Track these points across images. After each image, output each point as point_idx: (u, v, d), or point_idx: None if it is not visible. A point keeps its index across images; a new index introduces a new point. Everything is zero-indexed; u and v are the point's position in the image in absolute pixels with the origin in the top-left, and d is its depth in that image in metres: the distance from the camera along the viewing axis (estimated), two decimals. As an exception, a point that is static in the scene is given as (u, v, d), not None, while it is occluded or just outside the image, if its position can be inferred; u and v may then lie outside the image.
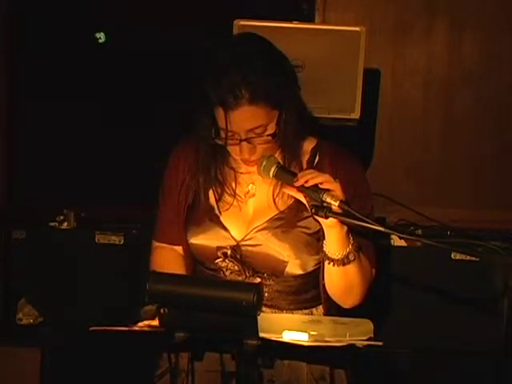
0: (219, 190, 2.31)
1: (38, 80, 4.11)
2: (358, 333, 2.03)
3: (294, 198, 2.21)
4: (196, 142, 2.31)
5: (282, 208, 2.27)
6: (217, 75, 2.16)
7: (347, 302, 2.25)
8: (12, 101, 4.13)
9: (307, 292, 2.29)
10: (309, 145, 2.32)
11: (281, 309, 2.27)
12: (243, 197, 2.31)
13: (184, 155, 2.36)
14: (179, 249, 2.37)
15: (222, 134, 2.19)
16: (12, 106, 4.13)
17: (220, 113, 2.16)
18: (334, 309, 2.27)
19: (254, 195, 2.31)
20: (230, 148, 2.23)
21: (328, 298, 2.27)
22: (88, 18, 4.12)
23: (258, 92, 2.13)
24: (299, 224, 2.25)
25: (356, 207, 2.04)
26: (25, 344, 3.50)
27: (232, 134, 2.17)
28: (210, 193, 2.32)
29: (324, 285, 2.25)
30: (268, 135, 2.18)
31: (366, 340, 1.99)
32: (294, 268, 2.25)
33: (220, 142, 2.21)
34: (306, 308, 2.29)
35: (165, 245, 2.39)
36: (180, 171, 2.36)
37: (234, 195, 2.30)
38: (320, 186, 2.05)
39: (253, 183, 2.31)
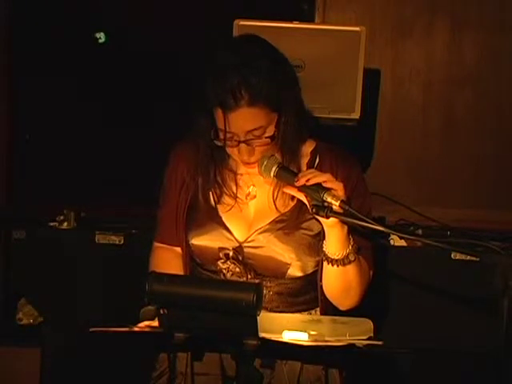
0: (218, 192, 2.30)
1: (38, 80, 4.11)
2: (357, 332, 2.03)
3: (296, 199, 2.22)
4: (195, 143, 2.31)
5: (282, 210, 2.27)
6: (217, 76, 2.15)
7: (345, 304, 2.25)
8: (12, 101, 4.13)
9: (305, 294, 2.28)
10: (308, 147, 2.31)
11: (279, 311, 2.26)
12: (244, 199, 2.31)
13: (183, 155, 2.36)
14: (178, 249, 2.36)
15: (221, 136, 2.19)
16: (12, 106, 4.13)
17: (219, 114, 2.16)
18: (331, 311, 2.27)
19: (254, 197, 2.31)
20: (228, 149, 2.23)
21: (325, 300, 2.27)
22: (88, 17, 4.12)
23: (257, 94, 2.13)
24: (302, 226, 2.25)
25: (354, 208, 2.04)
26: (25, 344, 3.50)
27: (231, 135, 2.17)
28: (210, 194, 2.32)
29: (322, 286, 2.25)
30: (267, 137, 2.18)
31: (366, 339, 1.99)
32: (295, 270, 2.24)
33: (219, 144, 2.21)
34: (303, 310, 2.29)
35: (164, 245, 2.40)
36: (179, 172, 2.36)
37: (234, 197, 2.30)
38: (323, 185, 2.06)
39: (253, 185, 2.31)
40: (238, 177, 2.32)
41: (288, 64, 2.25)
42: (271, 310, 2.25)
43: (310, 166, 2.27)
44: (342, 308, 2.25)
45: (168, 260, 2.36)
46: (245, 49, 2.20)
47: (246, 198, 2.31)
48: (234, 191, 2.31)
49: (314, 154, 2.31)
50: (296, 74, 2.29)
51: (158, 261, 2.38)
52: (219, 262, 2.27)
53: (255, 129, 2.16)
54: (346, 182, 2.12)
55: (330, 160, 2.28)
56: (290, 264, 2.23)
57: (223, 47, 2.24)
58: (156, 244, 2.42)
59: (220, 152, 2.27)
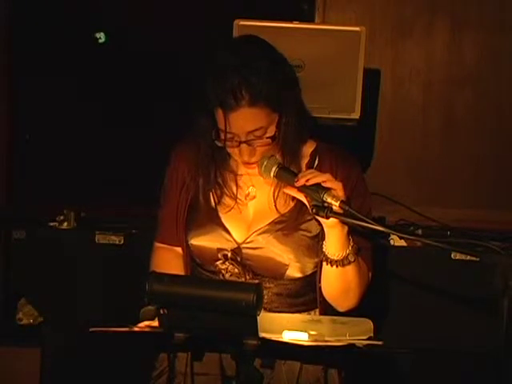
0: (219, 193, 2.31)
1: (38, 80, 4.11)
2: (357, 332, 2.03)
3: (295, 200, 2.22)
4: (196, 143, 2.31)
5: (282, 211, 2.27)
6: (217, 76, 2.16)
7: (343, 305, 2.25)
8: (12, 101, 4.13)
9: (304, 295, 2.28)
10: (308, 148, 2.31)
11: (278, 311, 2.25)
12: (243, 199, 2.31)
13: (184, 156, 2.36)
14: (179, 250, 2.37)
15: (222, 136, 2.19)
16: (12, 106, 4.13)
17: (220, 114, 2.16)
18: (330, 312, 2.26)
19: (254, 197, 2.31)
20: (229, 150, 2.23)
21: (324, 302, 2.27)
22: (88, 17, 4.12)
23: (258, 94, 2.13)
24: (301, 227, 2.25)
25: (354, 208, 2.04)
26: (25, 344, 3.50)
27: (232, 135, 2.17)
28: (210, 195, 2.32)
29: (320, 288, 2.25)
30: (268, 137, 2.18)
31: (366, 339, 1.99)
32: (294, 271, 2.24)
33: (220, 144, 2.21)
34: (303, 311, 2.28)
35: (165, 245, 2.40)
36: (180, 172, 2.36)
37: (234, 198, 2.30)
38: (322, 185, 2.06)
39: (253, 186, 2.31)
40: (238, 177, 2.32)
41: (288, 64, 2.26)
42: (270, 311, 2.24)
43: (310, 166, 2.27)
44: (340, 309, 2.25)
45: (169, 260, 2.36)
46: (245, 49, 2.20)
47: (246, 199, 2.31)
48: (234, 192, 2.31)
49: (313, 154, 2.31)
50: (296, 75, 2.29)
51: (158, 261, 2.38)
52: (218, 263, 2.27)
53: (256, 129, 2.16)
54: (345, 182, 2.12)
55: (329, 161, 2.28)
56: (288, 265, 2.23)
57: (223, 48, 2.24)
58: (157, 244, 2.42)
59: (221, 152, 2.27)
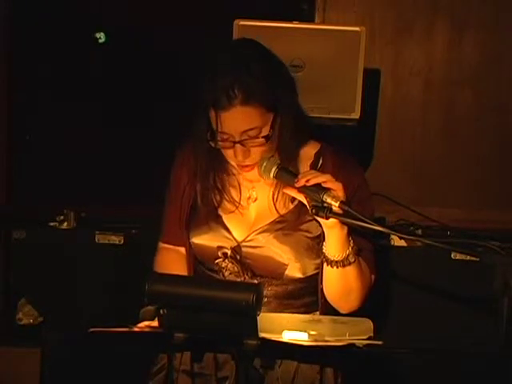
0: (218, 198, 2.31)
1: (38, 80, 4.11)
2: (357, 332, 2.03)
3: (295, 201, 2.22)
4: (195, 146, 2.31)
5: (282, 212, 2.27)
6: (212, 76, 2.16)
7: (345, 307, 2.24)
8: (12, 101, 4.13)
9: (305, 297, 2.28)
10: (312, 149, 2.31)
11: (278, 313, 2.25)
12: (245, 203, 2.31)
13: (187, 157, 2.36)
14: (183, 249, 2.37)
15: (217, 136, 2.18)
16: (12, 106, 4.13)
17: (213, 113, 2.16)
18: (331, 315, 2.26)
19: (256, 199, 2.31)
20: (224, 152, 2.22)
21: (326, 304, 2.26)
22: (88, 18, 4.13)
23: (251, 93, 2.12)
24: (301, 227, 2.25)
25: (356, 211, 2.04)
26: (25, 344, 3.50)
27: (226, 136, 2.17)
28: (212, 196, 2.32)
29: (322, 289, 2.24)
30: (262, 137, 2.17)
31: (366, 339, 1.99)
32: (293, 271, 2.24)
33: (214, 145, 2.21)
34: (302, 313, 2.26)
35: (169, 246, 2.41)
36: (183, 173, 2.36)
37: (235, 202, 2.30)
38: (322, 185, 2.05)
39: (253, 188, 2.31)
40: (240, 181, 2.32)
41: (284, 66, 2.26)
42: (268, 311, 2.24)
43: (314, 167, 2.27)
44: (342, 311, 2.25)
45: (173, 260, 2.37)
46: (239, 50, 2.22)
47: (247, 202, 2.31)
48: (234, 196, 2.31)
49: (317, 156, 2.30)
50: (292, 76, 2.29)
51: (163, 261, 2.39)
52: (218, 261, 2.27)
53: (250, 129, 2.16)
54: (346, 185, 2.10)
55: (332, 163, 2.28)
56: (287, 265, 2.23)
57: (219, 49, 2.25)
58: (161, 244, 2.43)
59: (219, 156, 2.27)
